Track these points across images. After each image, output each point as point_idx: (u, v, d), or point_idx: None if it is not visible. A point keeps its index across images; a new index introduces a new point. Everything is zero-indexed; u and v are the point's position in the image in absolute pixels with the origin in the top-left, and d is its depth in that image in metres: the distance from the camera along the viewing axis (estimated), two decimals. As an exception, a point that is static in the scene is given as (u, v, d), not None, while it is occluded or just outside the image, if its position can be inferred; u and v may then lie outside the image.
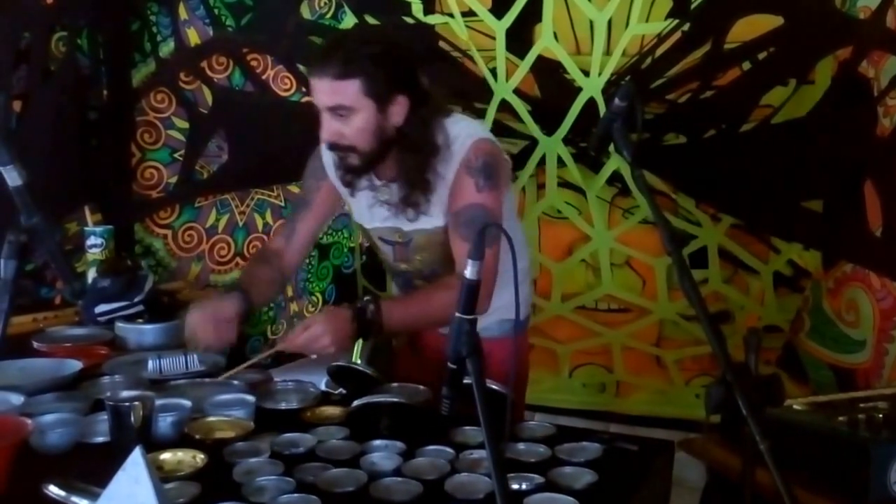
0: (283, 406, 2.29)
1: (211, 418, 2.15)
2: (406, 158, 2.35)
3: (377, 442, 2.08)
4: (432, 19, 3.76)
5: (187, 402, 2.19)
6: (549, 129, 3.69)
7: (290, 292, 3.94)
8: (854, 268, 3.34)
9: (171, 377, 2.49)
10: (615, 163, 3.58)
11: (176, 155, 3.54)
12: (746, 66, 3.48)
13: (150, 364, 2.54)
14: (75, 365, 2.46)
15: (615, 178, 3.68)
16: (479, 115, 3.71)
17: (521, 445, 2.08)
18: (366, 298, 2.38)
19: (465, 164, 2.35)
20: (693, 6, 3.46)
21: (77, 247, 3.22)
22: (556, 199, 3.75)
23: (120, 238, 3.26)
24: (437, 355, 2.52)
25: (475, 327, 1.62)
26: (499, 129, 3.72)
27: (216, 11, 3.56)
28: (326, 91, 2.25)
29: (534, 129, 3.70)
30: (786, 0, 3.31)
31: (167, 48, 3.46)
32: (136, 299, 2.72)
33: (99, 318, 2.85)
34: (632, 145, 2.04)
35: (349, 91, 2.24)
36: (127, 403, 2.01)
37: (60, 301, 3.20)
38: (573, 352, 3.97)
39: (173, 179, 3.54)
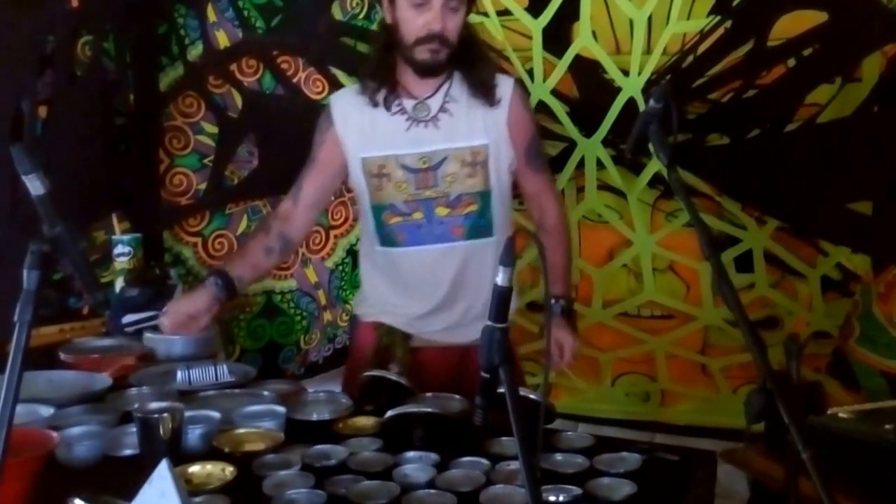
0: (314, 417, 2.21)
1: (240, 430, 2.10)
2: (476, 54, 2.48)
3: (411, 454, 2.03)
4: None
5: (216, 414, 2.14)
6: (588, 131, 3.60)
7: (323, 300, 3.87)
8: (903, 274, 3.24)
9: (200, 388, 2.42)
10: (656, 165, 3.48)
11: (205, 161, 3.46)
12: (791, 63, 3.38)
13: (179, 375, 2.48)
14: (105, 380, 2.40)
15: (657, 180, 3.58)
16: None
17: (559, 456, 2.01)
18: (553, 302, 2.56)
19: (521, 99, 2.53)
20: (735, 3, 3.35)
21: (104, 256, 3.16)
22: (596, 203, 3.66)
23: (148, 246, 3.20)
24: (435, 368, 2.52)
25: (507, 335, 1.56)
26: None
27: (245, 13, 3.49)
28: None
29: (572, 130, 3.61)
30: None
31: (195, 51, 3.39)
32: (164, 309, 2.66)
33: (126, 329, 2.80)
34: (669, 147, 1.97)
35: None
36: (156, 415, 1.96)
37: (89, 311, 3.15)
38: (615, 360, 3.86)
39: (203, 186, 3.47)
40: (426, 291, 2.55)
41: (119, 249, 3.06)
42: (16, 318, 1.55)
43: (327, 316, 3.90)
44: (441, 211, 2.49)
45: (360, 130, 2.50)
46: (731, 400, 3.69)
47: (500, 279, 1.56)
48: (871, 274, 3.35)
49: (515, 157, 2.51)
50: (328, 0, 3.68)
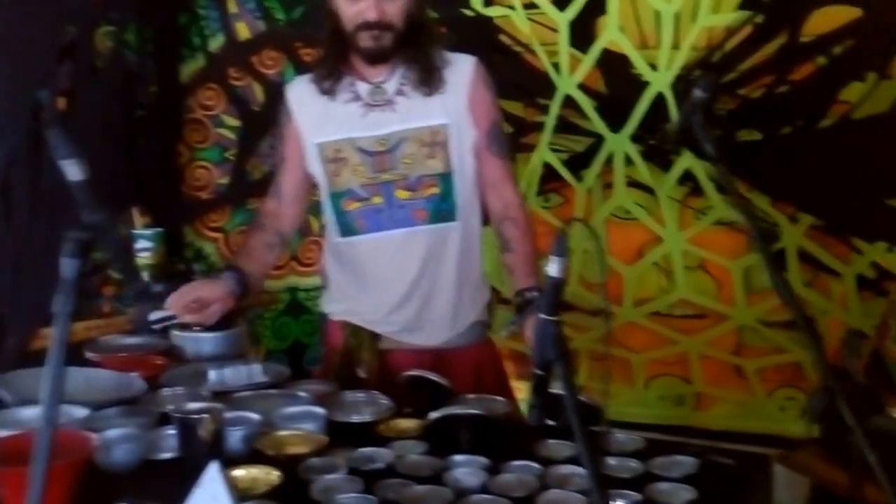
0: (355, 419, 2.14)
1: (282, 432, 2.03)
2: (423, 39, 2.38)
3: (459, 457, 1.96)
4: (492, 11, 3.62)
5: (255, 416, 2.08)
6: (616, 126, 3.53)
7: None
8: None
9: (233, 389, 2.36)
10: (686, 160, 3.42)
11: (226, 154, 3.41)
12: (822, 60, 3.31)
13: (212, 375, 2.41)
14: (140, 384, 2.34)
15: (686, 177, 3.51)
16: (543, 111, 3.56)
17: (613, 460, 1.94)
18: (526, 294, 2.32)
19: (482, 78, 2.43)
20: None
21: (124, 250, 3.09)
22: (625, 199, 3.59)
23: (169, 242, 3.13)
24: (406, 371, 2.39)
25: (561, 329, 1.51)
26: (563, 126, 3.59)
27: (266, 4, 3.43)
28: None
29: (599, 125, 3.54)
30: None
31: (216, 43, 3.33)
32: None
33: (154, 326, 2.73)
34: (714, 139, 1.92)
35: None
36: (195, 417, 1.90)
37: (110, 310, 3.09)
38: (648, 361, 3.78)
39: (223, 180, 3.41)
40: (391, 281, 2.46)
41: (141, 244, 2.99)
42: (54, 308, 1.49)
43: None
44: (401, 194, 2.41)
45: (316, 116, 2.44)
46: (767, 403, 3.63)
47: (554, 270, 1.51)
48: (908, 272, 3.30)
49: (478, 138, 2.43)
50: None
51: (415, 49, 2.37)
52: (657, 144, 2.13)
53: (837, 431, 1.61)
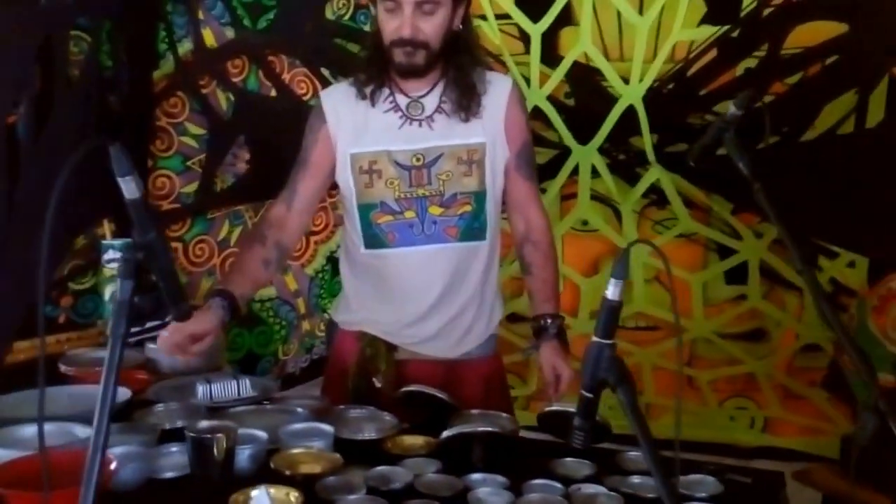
0: (363, 436, 2.10)
1: (295, 450, 1.97)
2: (462, 60, 2.36)
3: (476, 476, 1.94)
4: (464, 22, 3.61)
5: (263, 434, 2.01)
6: (581, 139, 3.55)
7: (302, 308, 3.74)
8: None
9: (223, 404, 2.29)
10: (654, 174, 3.46)
11: (189, 163, 3.31)
12: (806, 74, 3.39)
13: (200, 390, 2.33)
14: (124, 392, 2.25)
15: (649, 189, 3.56)
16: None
17: (636, 479, 1.94)
18: (542, 321, 2.41)
19: (518, 99, 2.44)
20: (744, 12, 3.35)
21: (89, 262, 2.99)
22: (589, 212, 3.61)
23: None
24: (420, 383, 2.34)
25: (615, 352, 1.50)
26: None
27: (233, 11, 3.35)
28: None
29: (567, 137, 3.55)
30: (849, 7, 3.22)
31: (183, 49, 3.23)
32: (168, 319, 2.51)
33: (129, 339, 2.64)
34: (747, 156, 1.94)
35: None
36: (210, 436, 1.84)
37: (65, 320, 2.97)
38: (599, 373, 3.81)
39: (186, 189, 3.31)
40: (416, 296, 2.43)
41: (110, 255, 2.87)
42: (108, 332, 1.44)
43: (306, 325, 3.78)
44: (434, 210, 2.38)
45: (353, 125, 2.39)
46: (718, 413, 3.69)
47: (611, 293, 1.49)
48: (867, 287, 3.38)
49: (509, 159, 2.43)
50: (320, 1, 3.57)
51: (456, 70, 2.35)
52: (685, 158, 2.11)
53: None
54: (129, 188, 1.47)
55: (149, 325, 2.64)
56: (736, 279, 3.60)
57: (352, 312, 2.55)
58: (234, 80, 3.39)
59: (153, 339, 2.62)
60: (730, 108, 1.94)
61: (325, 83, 3.55)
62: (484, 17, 3.57)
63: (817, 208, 3.36)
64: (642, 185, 3.53)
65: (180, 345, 2.21)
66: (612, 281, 1.50)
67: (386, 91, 2.38)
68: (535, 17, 3.56)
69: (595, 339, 1.53)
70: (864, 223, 3.34)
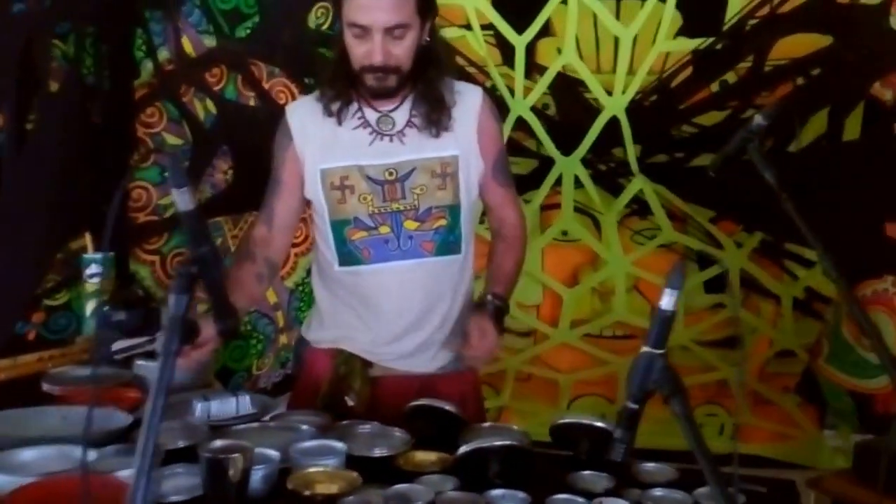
0: (376, 453, 2.05)
1: (310, 469, 1.92)
2: (430, 74, 2.32)
3: (496, 492, 1.90)
4: (449, 32, 3.58)
5: (275, 453, 1.96)
6: (565, 150, 3.55)
7: (281, 322, 3.68)
8: (875, 291, 3.31)
9: (222, 422, 2.23)
10: (638, 184, 3.47)
11: (166, 174, 3.24)
12: (791, 85, 3.43)
13: (198, 407, 2.28)
14: (121, 417, 2.18)
15: (630, 199, 3.57)
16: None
17: (658, 491, 1.93)
18: (488, 296, 2.34)
19: (489, 109, 2.40)
20: (726, 25, 3.38)
21: (67, 277, 2.91)
22: (572, 222, 3.62)
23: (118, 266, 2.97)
24: (393, 398, 2.34)
25: (668, 362, 1.47)
26: (513, 148, 3.58)
27: (216, 19, 3.29)
28: (386, 9, 2.16)
29: (551, 148, 3.55)
30: (834, 20, 3.26)
31: (160, 57, 3.16)
32: (157, 334, 2.45)
33: (116, 356, 2.57)
34: (773, 166, 1.94)
35: (408, 8, 2.18)
36: (224, 456, 1.78)
37: (35, 337, 2.89)
38: (574, 382, 3.82)
39: (163, 200, 3.24)
40: (394, 313, 2.39)
41: (92, 269, 2.79)
42: (159, 349, 1.38)
43: (283, 339, 3.71)
44: (410, 225, 2.34)
45: (321, 140, 2.35)
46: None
47: (666, 303, 1.46)
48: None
49: (484, 170, 2.40)
50: (303, 8, 3.51)
51: (424, 84, 2.31)
52: (707, 168, 2.10)
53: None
54: (184, 200, 1.44)
55: (136, 341, 2.59)
56: (714, 288, 3.62)
57: (325, 330, 2.51)
58: (214, 89, 3.33)
59: (141, 356, 2.57)
60: (756, 118, 1.94)
61: (307, 92, 3.49)
62: (469, 28, 3.56)
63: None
64: (626, 196, 3.54)
65: (189, 363, 2.16)
66: (668, 291, 1.47)
67: (354, 106, 2.34)
68: (515, 28, 3.55)
69: (645, 348, 1.50)
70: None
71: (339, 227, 2.36)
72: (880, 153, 3.27)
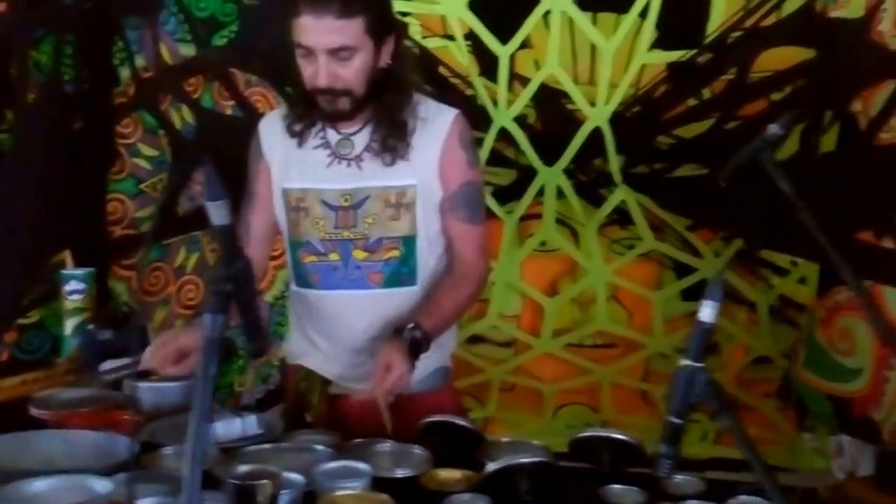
0: (399, 473, 2.00)
1: (338, 493, 1.86)
2: (389, 98, 2.24)
3: (530, 510, 1.86)
4: (431, 42, 3.56)
5: (300, 477, 1.89)
6: (547, 160, 3.54)
7: (258, 337, 3.59)
8: (848, 296, 3.35)
9: (229, 444, 2.16)
10: (620, 195, 3.48)
11: (142, 186, 3.14)
12: (774, 97, 3.45)
13: (203, 429, 2.19)
14: (127, 443, 2.06)
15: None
16: (477, 144, 3.52)
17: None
18: (409, 327, 2.16)
19: (458, 137, 2.28)
20: (709, 37, 3.40)
21: (40, 294, 2.80)
22: (552, 233, 3.60)
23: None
24: (354, 418, 2.31)
25: (710, 375, 1.45)
26: (495, 159, 3.57)
27: (188, 27, 3.21)
28: (328, 31, 2.09)
29: (534, 158, 3.54)
30: (818, 32, 3.29)
31: (137, 65, 3.07)
32: (138, 355, 2.37)
33: (106, 378, 2.48)
34: (786, 176, 1.94)
35: (353, 30, 2.11)
36: (252, 482, 1.72)
37: (8, 358, 2.78)
38: (558, 391, 3.81)
39: (139, 213, 3.13)
40: (344, 339, 2.35)
41: (72, 286, 2.69)
42: (198, 372, 1.32)
43: (262, 355, 3.64)
44: (358, 254, 2.29)
45: (285, 158, 2.32)
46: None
47: (706, 315, 1.45)
48: (815, 300, 3.47)
49: (443, 199, 2.30)
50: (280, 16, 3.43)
51: (382, 108, 2.24)
52: (717, 176, 2.08)
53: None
54: (219, 214, 1.38)
55: (125, 361, 2.50)
56: (691, 296, 3.63)
57: (291, 345, 2.49)
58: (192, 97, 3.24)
59: (131, 377, 2.48)
60: (770, 128, 1.94)
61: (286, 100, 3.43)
62: (451, 38, 3.53)
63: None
64: (608, 206, 3.54)
65: (170, 357, 2.16)
66: (707, 303, 1.47)
67: (318, 126, 2.29)
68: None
69: (686, 362, 1.49)
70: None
71: (294, 248, 2.35)
72: (855, 165, 3.31)
